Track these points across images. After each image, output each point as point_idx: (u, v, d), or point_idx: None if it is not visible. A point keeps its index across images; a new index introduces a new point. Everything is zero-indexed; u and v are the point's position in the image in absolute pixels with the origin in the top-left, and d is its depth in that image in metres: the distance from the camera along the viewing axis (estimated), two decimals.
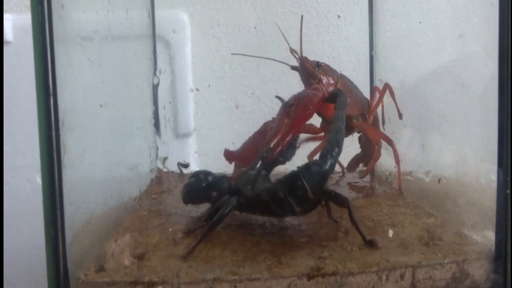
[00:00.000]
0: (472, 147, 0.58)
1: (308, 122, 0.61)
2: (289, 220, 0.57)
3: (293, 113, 0.54)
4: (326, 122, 0.65)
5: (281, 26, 0.81)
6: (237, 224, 0.56)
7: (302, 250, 0.49)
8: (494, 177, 0.47)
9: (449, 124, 0.65)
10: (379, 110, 0.71)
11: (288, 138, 0.54)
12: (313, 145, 0.68)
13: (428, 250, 0.49)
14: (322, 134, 0.66)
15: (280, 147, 0.53)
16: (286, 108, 0.55)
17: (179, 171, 0.84)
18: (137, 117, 0.73)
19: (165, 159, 0.84)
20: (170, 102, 0.84)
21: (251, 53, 0.83)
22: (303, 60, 0.64)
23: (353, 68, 0.82)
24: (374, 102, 0.69)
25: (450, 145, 0.64)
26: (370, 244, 0.49)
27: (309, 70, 0.63)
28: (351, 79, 0.70)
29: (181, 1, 0.82)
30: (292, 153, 0.54)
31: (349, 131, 0.68)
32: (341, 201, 0.50)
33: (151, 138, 0.81)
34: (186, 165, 0.85)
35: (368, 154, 0.72)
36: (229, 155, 0.64)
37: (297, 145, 0.55)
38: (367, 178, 0.75)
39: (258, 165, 0.54)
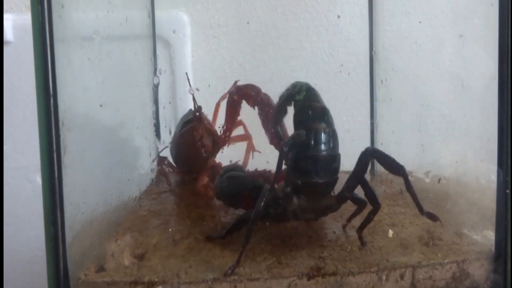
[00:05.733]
0: (472, 147, 0.58)
1: None
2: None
3: None
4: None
5: (281, 26, 0.82)
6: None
7: (302, 250, 0.49)
8: (494, 177, 0.47)
9: (449, 124, 0.64)
10: None
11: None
12: None
13: (428, 250, 0.49)
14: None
15: None
16: None
17: None
18: (137, 117, 0.73)
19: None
20: (170, 103, 0.84)
21: (252, 54, 0.83)
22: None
23: (353, 68, 0.82)
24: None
25: (450, 145, 0.64)
26: (430, 216, 0.48)
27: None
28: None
29: (181, 1, 0.82)
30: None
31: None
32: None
33: (151, 138, 0.81)
34: None
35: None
36: None
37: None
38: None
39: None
